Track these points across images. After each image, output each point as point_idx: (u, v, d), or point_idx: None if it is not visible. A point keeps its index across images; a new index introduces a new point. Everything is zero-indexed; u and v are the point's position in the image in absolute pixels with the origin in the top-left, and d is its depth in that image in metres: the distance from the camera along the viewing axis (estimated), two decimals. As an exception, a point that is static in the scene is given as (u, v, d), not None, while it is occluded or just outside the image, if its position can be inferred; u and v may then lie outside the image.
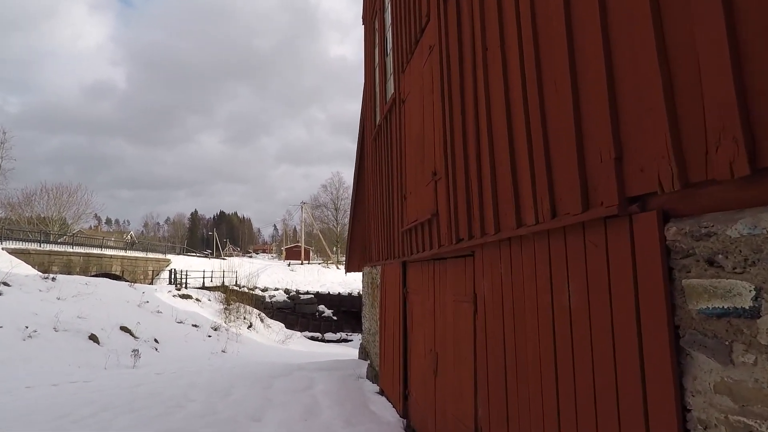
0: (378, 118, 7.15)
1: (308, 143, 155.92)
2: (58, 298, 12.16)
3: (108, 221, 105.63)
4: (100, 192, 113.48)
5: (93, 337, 10.65)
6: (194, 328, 15.31)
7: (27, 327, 9.50)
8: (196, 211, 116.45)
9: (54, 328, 10.20)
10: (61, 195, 37.26)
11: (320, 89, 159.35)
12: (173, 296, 17.53)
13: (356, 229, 14.89)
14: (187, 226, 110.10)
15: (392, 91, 5.79)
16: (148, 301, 14.75)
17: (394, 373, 5.58)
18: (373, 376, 7.70)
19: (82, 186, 40.04)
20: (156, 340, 12.54)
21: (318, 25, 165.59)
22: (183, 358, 12.14)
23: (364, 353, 14.85)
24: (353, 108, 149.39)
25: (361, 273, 17.67)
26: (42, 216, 36.88)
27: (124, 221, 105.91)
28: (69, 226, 37.32)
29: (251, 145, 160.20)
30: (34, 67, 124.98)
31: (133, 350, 10.14)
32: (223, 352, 14.08)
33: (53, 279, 12.97)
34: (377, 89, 7.31)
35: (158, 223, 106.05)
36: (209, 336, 15.20)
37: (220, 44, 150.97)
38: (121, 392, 6.77)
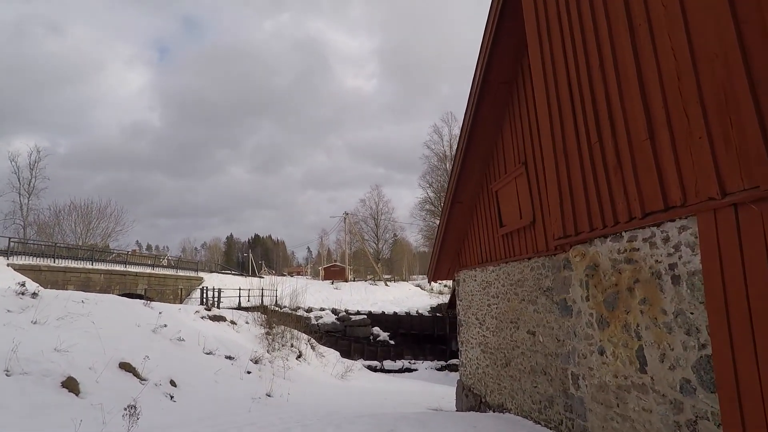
0: None
1: (330, 169, 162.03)
2: (34, 323, 8.36)
3: (149, 247, 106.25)
4: (141, 221, 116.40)
5: (70, 384, 6.69)
6: (228, 360, 11.25)
7: (-50, 371, 5.62)
8: (231, 235, 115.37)
9: (5, 371, 6.31)
10: (89, 211, 34.89)
11: (338, 119, 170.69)
12: (201, 318, 13.59)
13: (454, 222, 10.51)
14: (223, 249, 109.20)
15: None
16: (166, 325, 10.83)
17: None
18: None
19: (112, 202, 37.62)
20: (173, 383, 8.50)
21: (329, 62, 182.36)
22: (210, 411, 8.04)
23: (470, 396, 10.30)
24: (369, 134, 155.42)
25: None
26: (71, 244, 34.47)
27: (163, 247, 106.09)
28: (100, 243, 34.72)
29: (277, 173, 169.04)
30: (82, 113, 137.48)
31: (128, 407, 6.07)
32: (269, 396, 9.93)
33: (33, 295, 9.23)
34: None
35: (195, 248, 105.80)
36: (248, 372, 11.09)
37: (243, 84, 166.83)
38: None
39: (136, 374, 8.06)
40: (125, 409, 6.08)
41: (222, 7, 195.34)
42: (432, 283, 40.16)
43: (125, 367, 8.08)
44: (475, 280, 9.72)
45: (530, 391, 6.86)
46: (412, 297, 32.85)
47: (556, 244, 4.42)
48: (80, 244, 31.90)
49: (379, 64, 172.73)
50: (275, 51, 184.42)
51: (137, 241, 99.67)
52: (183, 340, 10.73)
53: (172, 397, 8.04)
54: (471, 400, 9.76)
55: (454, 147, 44.64)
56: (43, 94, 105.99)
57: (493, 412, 8.36)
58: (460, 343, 10.85)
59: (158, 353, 9.34)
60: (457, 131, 44.38)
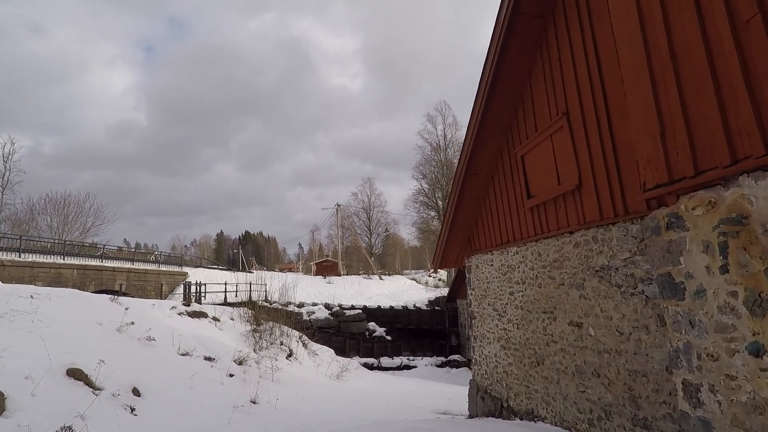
0: None
1: (317, 167, 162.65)
2: (-37, 322, 6.87)
3: (137, 245, 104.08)
4: (130, 220, 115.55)
5: (-7, 398, 5.24)
6: (207, 362, 9.81)
7: None
8: (221, 232, 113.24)
9: None
10: (66, 206, 32.98)
11: (324, 117, 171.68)
12: (179, 314, 12.10)
13: (466, 199, 9.07)
14: (213, 247, 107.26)
15: None
16: (133, 323, 9.35)
17: None
18: None
19: (90, 196, 35.67)
20: (135, 391, 7.07)
21: (314, 62, 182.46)
22: (181, 425, 6.63)
23: (488, 399, 8.95)
24: (356, 132, 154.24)
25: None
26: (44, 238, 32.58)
27: (153, 245, 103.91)
28: (78, 239, 32.81)
29: (265, 171, 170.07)
30: (67, 112, 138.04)
31: (62, 428, 4.66)
32: (253, 402, 8.55)
33: (-33, 289, 7.73)
34: None
35: (185, 246, 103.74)
36: (231, 375, 9.67)
37: (228, 83, 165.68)
38: None
39: (88, 382, 6.60)
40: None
41: (206, 7, 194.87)
42: (428, 276, 38.49)
43: (75, 374, 6.61)
44: (492, 265, 8.39)
45: (575, 396, 5.55)
46: (407, 291, 31.55)
47: (653, 195, 3.08)
48: (56, 239, 30.02)
49: (362, 62, 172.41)
50: (260, 50, 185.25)
51: (125, 239, 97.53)
52: (153, 339, 9.27)
53: (132, 410, 6.61)
54: (489, 403, 8.44)
55: (449, 136, 43.37)
56: (27, 94, 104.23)
57: (520, 419, 7.04)
58: (473, 338, 9.53)
59: (121, 356, 7.90)
60: (451, 120, 43.09)
